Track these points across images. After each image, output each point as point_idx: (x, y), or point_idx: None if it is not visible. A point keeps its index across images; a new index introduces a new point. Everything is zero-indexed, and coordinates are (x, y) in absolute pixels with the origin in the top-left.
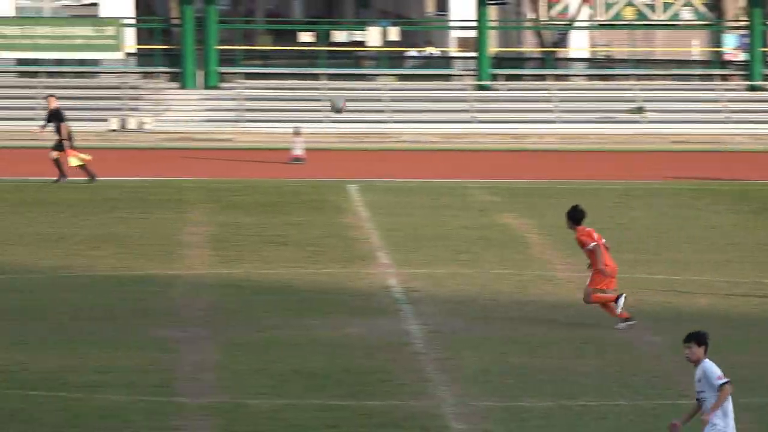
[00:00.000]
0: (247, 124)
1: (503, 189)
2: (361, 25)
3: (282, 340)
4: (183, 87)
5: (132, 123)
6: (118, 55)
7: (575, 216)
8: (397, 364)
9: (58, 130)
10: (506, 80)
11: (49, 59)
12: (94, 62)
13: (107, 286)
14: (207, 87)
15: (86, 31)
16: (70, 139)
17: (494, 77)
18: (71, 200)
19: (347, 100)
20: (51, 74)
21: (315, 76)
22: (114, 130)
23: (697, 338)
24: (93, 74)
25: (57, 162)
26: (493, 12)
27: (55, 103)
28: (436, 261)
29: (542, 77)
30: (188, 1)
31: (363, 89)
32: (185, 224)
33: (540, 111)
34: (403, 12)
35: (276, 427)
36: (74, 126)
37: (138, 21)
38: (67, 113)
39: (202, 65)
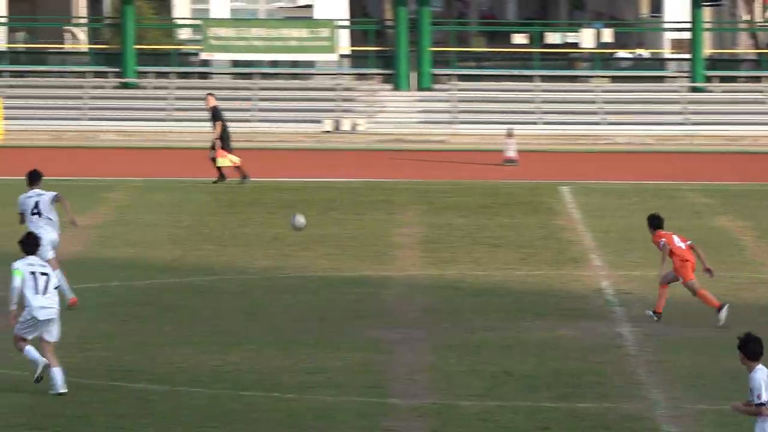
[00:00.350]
0: (460, 125)
1: (718, 191)
2: (575, 26)
3: (493, 341)
4: (396, 88)
5: (345, 124)
6: (332, 57)
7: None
8: (609, 367)
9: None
10: (720, 82)
11: (263, 61)
12: (308, 64)
13: (320, 287)
14: (420, 89)
15: (301, 32)
16: (223, 139)
17: (708, 79)
18: (285, 201)
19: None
20: (265, 76)
21: (528, 78)
22: (328, 132)
23: (740, 345)
24: (307, 76)
25: (214, 161)
26: (707, 13)
27: (213, 102)
28: (649, 263)
29: (757, 79)
30: (402, 2)
31: (576, 90)
32: (398, 225)
33: (755, 113)
34: (617, 13)
35: (487, 428)
36: (289, 127)
37: (352, 23)
38: (281, 114)
39: (415, 67)
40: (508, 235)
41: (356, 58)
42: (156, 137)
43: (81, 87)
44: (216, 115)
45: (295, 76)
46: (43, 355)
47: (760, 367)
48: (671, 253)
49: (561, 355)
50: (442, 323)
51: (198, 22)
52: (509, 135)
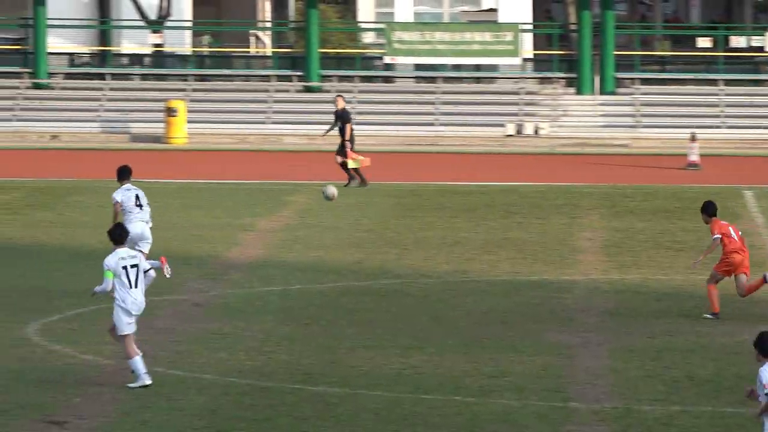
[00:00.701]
0: (642, 129)
1: None
2: (760, 30)
3: (675, 346)
4: (579, 92)
5: (528, 128)
6: (516, 61)
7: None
8: None
9: (342, 132)
10: None
11: (446, 64)
12: (492, 67)
13: (502, 291)
14: (603, 92)
15: (484, 36)
16: (351, 141)
17: None
18: (467, 204)
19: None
20: (448, 79)
21: (712, 82)
22: (510, 135)
23: (756, 342)
24: (490, 79)
25: (344, 166)
26: None
27: (342, 104)
28: None
29: None
30: (586, 6)
31: (760, 94)
32: (580, 229)
33: None
34: None
35: None
36: (471, 131)
37: (535, 26)
38: (464, 118)
39: (598, 70)
40: (690, 240)
41: (539, 62)
42: (339, 140)
43: (265, 90)
44: (345, 117)
45: (478, 79)
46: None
47: None
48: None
49: (742, 360)
50: (623, 327)
51: (382, 25)
52: (692, 139)
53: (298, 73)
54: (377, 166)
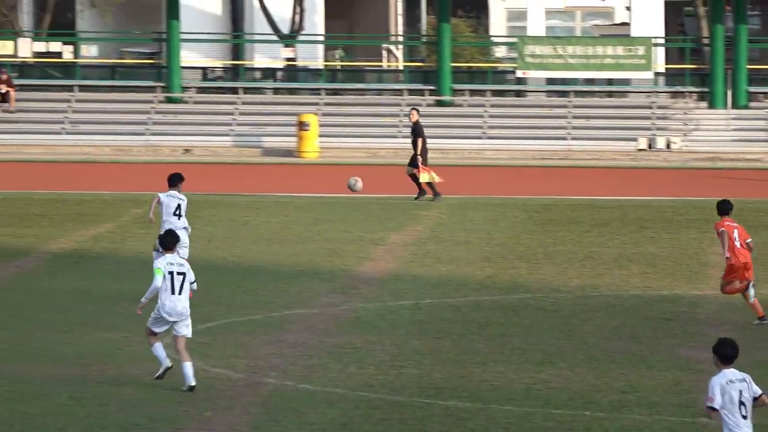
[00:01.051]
0: None
1: None
2: None
3: None
4: (711, 106)
5: (660, 142)
6: (648, 75)
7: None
8: None
9: (414, 145)
10: None
11: (578, 78)
12: (624, 81)
13: (633, 306)
14: (736, 107)
15: (616, 50)
16: (423, 155)
17: None
18: (598, 219)
19: None
20: (579, 93)
21: None
22: (642, 150)
23: (715, 348)
24: (622, 93)
25: (415, 178)
26: None
27: (416, 117)
28: None
29: None
30: (719, 20)
31: None
32: (711, 244)
33: None
34: None
35: None
36: (603, 145)
37: (668, 40)
38: (596, 132)
39: (731, 85)
40: None
41: (671, 76)
42: (471, 155)
43: (397, 104)
44: (418, 131)
45: (610, 93)
46: (176, 349)
47: (724, 372)
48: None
49: None
50: (755, 342)
51: (514, 39)
52: None
53: (430, 87)
54: (509, 181)
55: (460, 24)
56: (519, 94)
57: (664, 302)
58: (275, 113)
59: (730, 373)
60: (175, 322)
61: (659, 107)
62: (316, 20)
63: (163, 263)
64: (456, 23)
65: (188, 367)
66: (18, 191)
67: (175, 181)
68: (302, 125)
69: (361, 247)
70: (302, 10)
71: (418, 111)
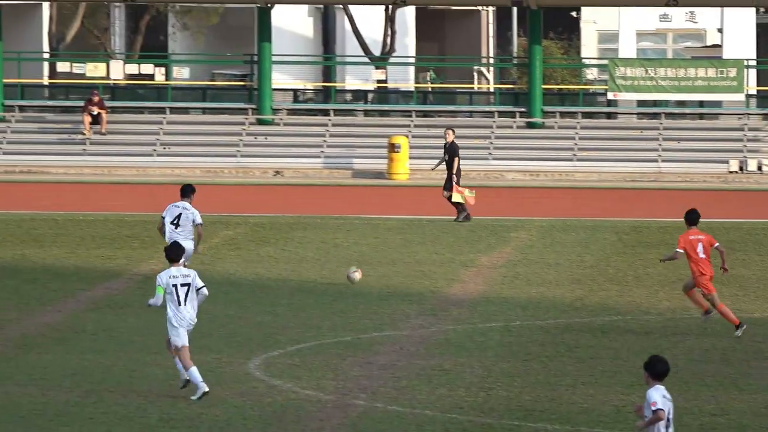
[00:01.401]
0: None
1: None
2: None
3: None
4: None
5: (752, 165)
6: (740, 97)
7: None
8: None
9: (449, 165)
10: None
11: (669, 101)
12: (715, 103)
13: (724, 329)
14: None
15: (708, 72)
16: (458, 174)
17: None
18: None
19: None
20: (670, 115)
21: None
22: (734, 172)
23: (646, 365)
24: (713, 116)
25: (451, 200)
26: None
27: (451, 137)
28: None
29: None
30: None
31: None
32: None
33: None
34: None
35: None
36: (694, 167)
37: (759, 62)
38: (687, 155)
39: None
40: None
41: (763, 98)
42: (561, 177)
43: (488, 126)
44: (453, 151)
45: (701, 116)
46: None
47: (658, 386)
48: (692, 260)
49: None
50: None
51: (605, 62)
52: None
53: (521, 110)
54: (600, 203)
55: (551, 46)
56: (610, 116)
57: (756, 325)
58: (366, 135)
59: (663, 389)
60: (187, 330)
61: (750, 129)
62: (407, 42)
63: (165, 278)
64: (547, 45)
65: (194, 371)
66: (109, 213)
67: (186, 192)
68: (393, 147)
69: (450, 269)
70: (393, 32)
71: (453, 131)
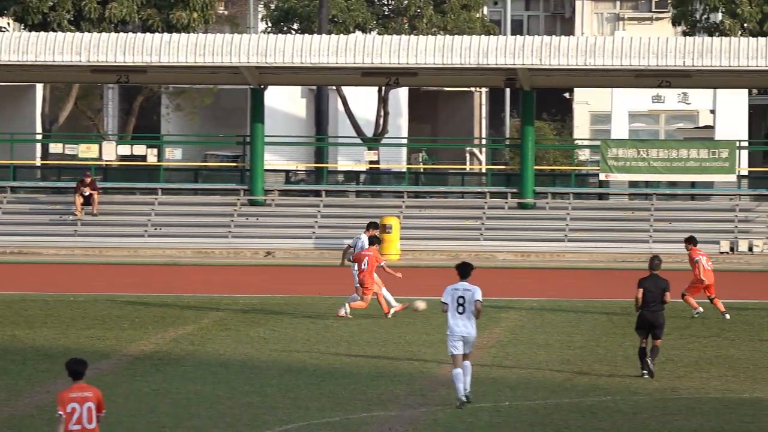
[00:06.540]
0: None
1: None
2: None
3: None
4: None
5: (743, 245)
6: (731, 178)
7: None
8: None
9: None
10: None
11: (661, 181)
12: (707, 184)
13: (713, 409)
14: None
15: (700, 153)
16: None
17: None
18: (679, 322)
19: None
20: (662, 196)
21: None
22: (724, 252)
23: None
24: (705, 196)
25: None
26: None
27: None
28: None
29: None
30: None
31: None
32: None
33: None
34: None
35: None
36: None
37: (752, 143)
38: (676, 235)
39: None
40: None
41: (754, 179)
42: (553, 258)
43: (479, 207)
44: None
45: (692, 196)
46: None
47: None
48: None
49: None
50: None
51: (597, 142)
52: None
53: (513, 190)
54: (590, 284)
55: (544, 127)
56: (601, 197)
57: (745, 406)
58: (357, 216)
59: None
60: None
61: (742, 210)
62: (400, 123)
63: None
64: (540, 126)
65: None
66: (100, 293)
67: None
68: (384, 228)
69: (440, 349)
70: (386, 113)
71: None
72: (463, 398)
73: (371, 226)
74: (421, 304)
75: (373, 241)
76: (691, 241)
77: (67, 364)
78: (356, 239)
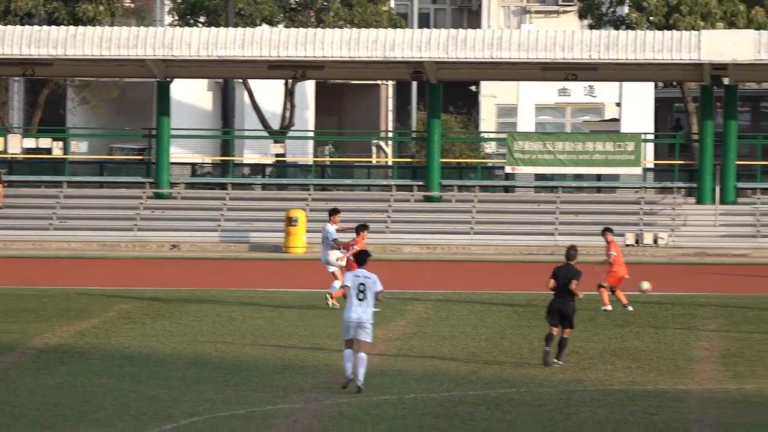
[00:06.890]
0: (763, 239)
1: None
2: None
3: None
4: (699, 202)
5: (647, 238)
6: (637, 171)
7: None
8: None
9: None
10: None
11: (567, 174)
12: (613, 177)
13: (618, 400)
14: (724, 202)
15: (606, 146)
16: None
17: None
18: (584, 314)
19: None
20: (568, 189)
21: None
22: (630, 245)
23: None
24: (610, 189)
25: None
26: None
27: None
28: None
29: None
30: (709, 116)
31: None
32: (697, 339)
33: None
34: None
35: None
36: (591, 240)
37: (657, 136)
38: (582, 228)
39: (719, 180)
40: None
41: (660, 171)
42: (459, 250)
43: (385, 200)
44: None
45: (598, 189)
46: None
47: None
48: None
49: None
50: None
51: (503, 135)
52: None
53: (419, 183)
54: (496, 276)
55: (450, 120)
56: (507, 189)
57: (649, 397)
58: (263, 209)
59: None
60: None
61: (647, 203)
62: (306, 116)
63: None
64: (446, 119)
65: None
66: (4, 287)
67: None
68: (290, 221)
69: None
70: (293, 106)
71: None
72: (351, 377)
73: (333, 212)
74: (646, 285)
75: (360, 229)
76: (611, 231)
77: None
78: (325, 230)
